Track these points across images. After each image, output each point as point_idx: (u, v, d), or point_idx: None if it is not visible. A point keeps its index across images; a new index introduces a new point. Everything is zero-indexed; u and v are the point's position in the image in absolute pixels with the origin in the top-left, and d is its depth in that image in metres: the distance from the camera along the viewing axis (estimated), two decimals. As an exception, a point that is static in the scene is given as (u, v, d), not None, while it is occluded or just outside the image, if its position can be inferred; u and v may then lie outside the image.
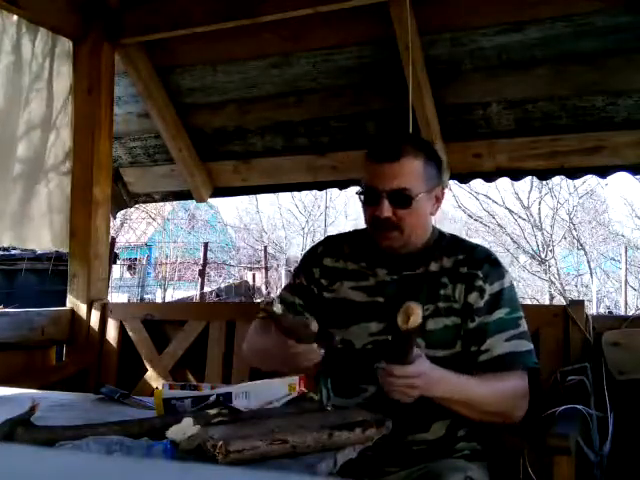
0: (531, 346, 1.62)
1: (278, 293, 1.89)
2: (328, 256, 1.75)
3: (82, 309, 2.78)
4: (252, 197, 15.73)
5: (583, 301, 2.22)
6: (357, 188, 1.72)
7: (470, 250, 1.69)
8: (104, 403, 1.69)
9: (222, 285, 12.55)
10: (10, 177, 2.60)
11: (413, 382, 1.42)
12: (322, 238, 1.90)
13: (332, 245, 1.79)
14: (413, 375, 1.42)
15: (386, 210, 1.58)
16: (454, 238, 1.75)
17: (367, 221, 1.66)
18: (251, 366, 1.74)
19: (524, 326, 1.63)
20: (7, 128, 2.59)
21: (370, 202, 1.62)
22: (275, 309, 1.41)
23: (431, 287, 1.64)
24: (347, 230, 1.91)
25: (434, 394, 1.49)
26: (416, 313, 1.34)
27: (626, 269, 10.42)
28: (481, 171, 2.76)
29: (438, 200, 1.69)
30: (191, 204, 14.90)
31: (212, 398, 1.38)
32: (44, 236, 2.76)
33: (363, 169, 1.67)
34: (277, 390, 1.43)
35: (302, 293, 1.75)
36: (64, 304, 2.85)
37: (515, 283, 1.72)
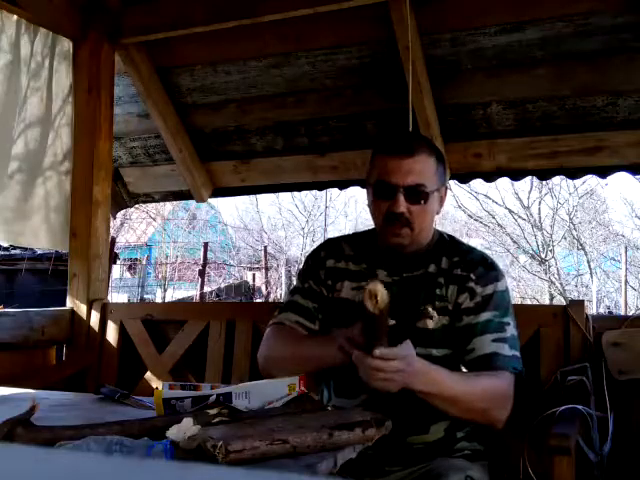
0: (517, 353, 1.60)
1: (285, 298, 1.88)
2: (330, 258, 1.76)
3: (82, 309, 2.78)
4: (252, 197, 15.74)
5: (583, 301, 2.22)
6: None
7: (466, 252, 1.70)
8: (104, 403, 1.69)
9: (222, 285, 12.55)
10: (7, 175, 2.60)
11: (397, 365, 1.37)
12: (322, 240, 1.90)
13: (333, 247, 1.79)
14: (396, 357, 1.37)
15: (402, 205, 1.58)
16: (452, 240, 1.76)
17: (379, 216, 1.65)
18: (267, 374, 1.70)
19: (511, 332, 1.61)
20: (4, 126, 2.59)
21: (384, 197, 1.61)
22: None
23: (428, 288, 1.66)
24: (347, 232, 1.91)
25: (415, 386, 1.45)
26: (380, 291, 1.30)
27: (626, 269, 10.42)
28: (481, 171, 2.76)
29: (442, 200, 1.70)
30: (191, 204, 14.89)
31: (212, 398, 1.38)
32: (41, 235, 2.76)
33: (372, 164, 1.67)
34: (277, 390, 1.43)
35: (314, 297, 1.75)
36: (64, 304, 2.85)
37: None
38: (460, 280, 1.64)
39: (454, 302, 1.63)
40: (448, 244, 1.73)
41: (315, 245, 1.98)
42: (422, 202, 1.60)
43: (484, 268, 1.66)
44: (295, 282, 1.87)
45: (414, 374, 1.42)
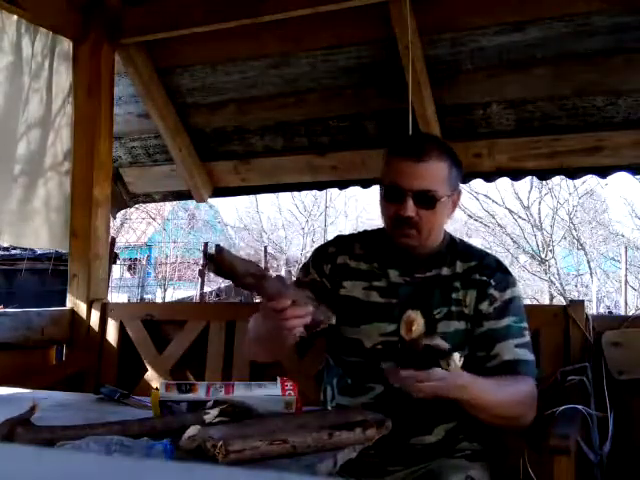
0: (533, 358, 1.63)
1: None
2: (341, 254, 1.73)
3: (82, 309, 2.78)
4: (252, 197, 15.75)
5: (583, 301, 2.22)
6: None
7: (481, 257, 1.70)
8: (104, 403, 1.69)
9: (222, 285, 12.54)
10: (9, 176, 2.60)
11: (432, 385, 1.39)
12: (323, 241, 1.88)
13: (344, 244, 1.76)
14: (433, 379, 1.38)
15: (410, 210, 1.56)
16: (463, 243, 1.76)
17: (388, 218, 1.64)
18: (252, 360, 1.70)
19: (528, 337, 1.63)
20: (6, 127, 2.59)
21: (393, 200, 1.60)
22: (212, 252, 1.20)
23: (443, 291, 1.65)
24: (347, 232, 1.89)
25: (455, 395, 1.45)
26: (417, 321, 1.33)
27: (626, 269, 10.41)
28: (481, 171, 2.75)
29: (454, 204, 1.68)
30: (191, 204, 14.90)
31: (209, 404, 1.38)
32: (42, 235, 2.76)
33: (385, 164, 1.65)
34: (274, 405, 1.43)
35: (313, 287, 1.70)
36: (64, 304, 2.85)
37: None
38: (479, 285, 1.64)
39: (474, 308, 1.63)
40: (460, 247, 1.72)
41: (317, 244, 1.96)
42: (431, 207, 1.58)
43: (502, 273, 1.67)
44: (296, 274, 1.84)
45: (454, 389, 1.42)
